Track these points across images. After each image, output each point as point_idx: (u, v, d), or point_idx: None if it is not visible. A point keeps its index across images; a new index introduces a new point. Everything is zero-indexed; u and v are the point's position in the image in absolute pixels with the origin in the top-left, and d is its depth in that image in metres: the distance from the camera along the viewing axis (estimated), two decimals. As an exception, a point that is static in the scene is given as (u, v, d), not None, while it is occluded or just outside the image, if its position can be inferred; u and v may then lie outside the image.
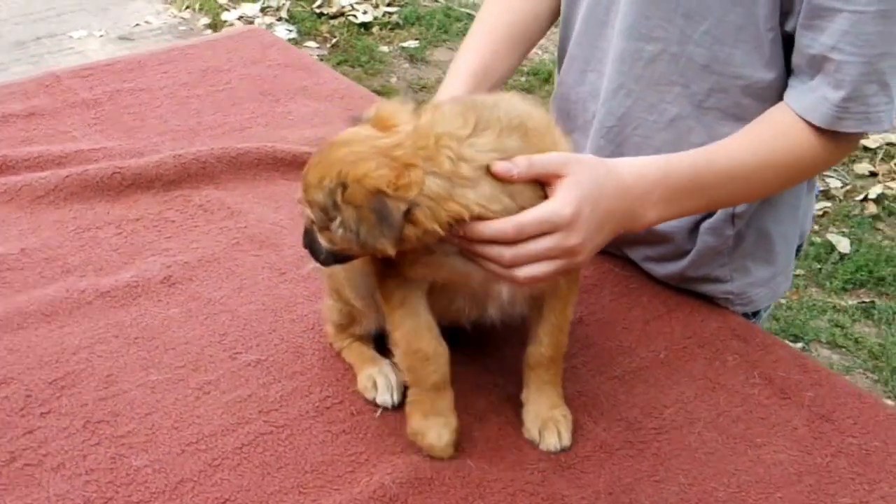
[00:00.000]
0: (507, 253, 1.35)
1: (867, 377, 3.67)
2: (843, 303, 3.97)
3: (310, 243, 1.47)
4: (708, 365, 1.69)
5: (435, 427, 1.49)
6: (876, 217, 4.43)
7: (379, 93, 4.06)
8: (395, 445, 1.51)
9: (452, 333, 1.55)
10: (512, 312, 1.52)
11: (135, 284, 1.79)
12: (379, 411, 1.57)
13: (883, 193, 4.55)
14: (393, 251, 1.32)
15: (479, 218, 1.33)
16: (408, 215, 1.30)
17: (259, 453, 1.49)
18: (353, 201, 1.31)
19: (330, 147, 1.39)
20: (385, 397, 1.57)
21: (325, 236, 1.41)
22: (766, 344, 1.74)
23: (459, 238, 1.36)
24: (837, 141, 1.58)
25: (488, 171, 1.34)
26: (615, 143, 1.75)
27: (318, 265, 1.50)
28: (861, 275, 4.04)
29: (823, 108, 1.54)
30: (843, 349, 3.77)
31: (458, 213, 1.32)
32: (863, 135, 1.64)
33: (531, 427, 1.54)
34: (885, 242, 4.29)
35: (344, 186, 1.32)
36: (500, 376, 1.65)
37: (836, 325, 3.85)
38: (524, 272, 1.37)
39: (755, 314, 1.88)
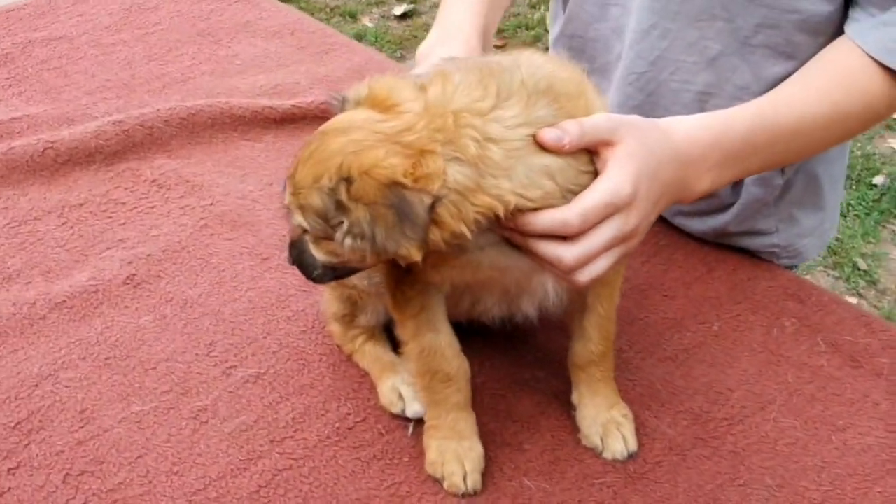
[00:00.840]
0: (567, 255, 1.12)
1: (829, 275, 3.57)
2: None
3: (298, 257, 1.21)
4: (766, 334, 1.50)
5: (461, 453, 1.27)
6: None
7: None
8: (439, 471, 1.29)
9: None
10: (550, 306, 1.30)
11: (93, 289, 1.52)
12: (411, 428, 1.34)
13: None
14: (419, 256, 1.07)
15: (517, 210, 1.09)
16: (431, 213, 1.05)
17: (280, 496, 1.26)
18: (363, 198, 1.05)
19: (322, 137, 1.12)
20: (416, 408, 1.34)
21: (322, 248, 1.16)
22: (822, 303, 1.55)
23: (510, 230, 1.13)
24: None
25: (521, 148, 1.09)
26: (647, 92, 1.52)
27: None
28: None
29: None
30: (801, 248, 3.65)
31: (490, 208, 1.07)
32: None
33: (591, 434, 1.33)
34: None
35: (349, 181, 1.06)
36: (539, 369, 1.44)
37: (791, 222, 3.73)
38: (589, 273, 1.14)
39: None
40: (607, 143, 1.14)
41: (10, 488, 1.25)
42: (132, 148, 1.77)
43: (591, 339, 1.31)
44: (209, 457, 1.30)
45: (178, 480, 1.27)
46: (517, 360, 1.45)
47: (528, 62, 1.16)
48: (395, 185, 1.05)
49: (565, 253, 1.12)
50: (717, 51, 1.46)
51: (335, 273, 1.22)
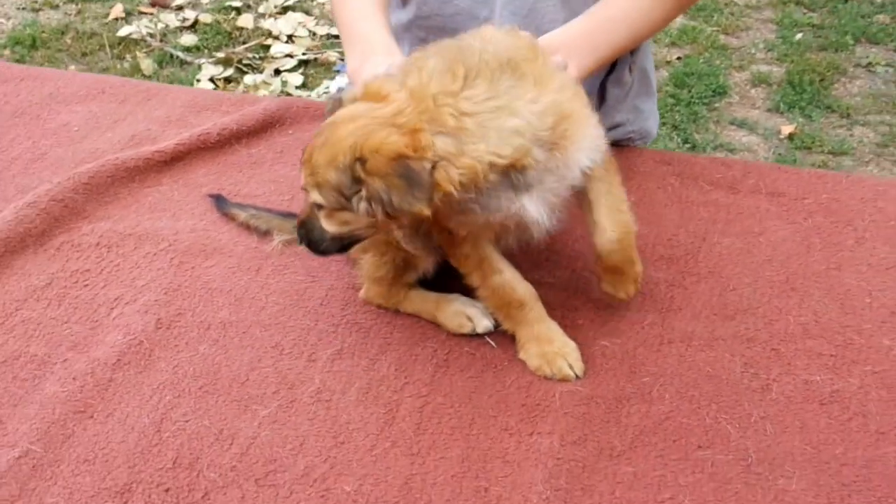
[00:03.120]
0: None
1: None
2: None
3: (308, 234, 1.45)
4: (666, 191, 1.90)
5: (558, 351, 1.53)
6: None
7: None
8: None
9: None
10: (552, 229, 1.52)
11: (136, 342, 1.57)
12: (493, 342, 1.58)
13: None
14: (428, 211, 1.32)
15: (492, 166, 1.35)
16: (432, 176, 1.31)
17: (437, 423, 1.45)
18: (377, 172, 1.30)
19: (332, 126, 1.36)
20: (486, 322, 1.58)
21: (335, 219, 1.40)
22: (684, 160, 1.99)
23: None
24: None
25: (491, 117, 1.35)
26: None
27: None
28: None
29: None
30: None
31: (471, 168, 1.33)
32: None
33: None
34: None
35: (362, 160, 1.30)
36: (554, 268, 1.72)
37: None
38: None
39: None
40: None
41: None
42: (55, 223, 1.79)
43: (607, 229, 1.53)
44: (358, 421, 1.45)
45: (348, 446, 1.42)
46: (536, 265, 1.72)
47: (490, 41, 1.42)
48: (400, 157, 1.30)
49: None
50: None
51: (341, 243, 1.46)
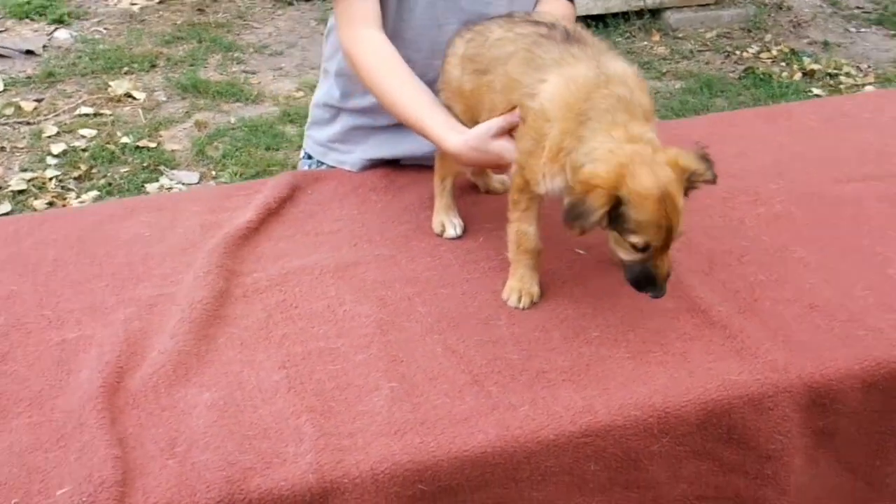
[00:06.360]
0: None
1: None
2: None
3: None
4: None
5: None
6: None
7: None
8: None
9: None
10: None
11: (377, 319, 2.15)
12: (580, 250, 2.38)
13: None
14: None
15: None
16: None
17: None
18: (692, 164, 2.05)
19: (663, 198, 1.97)
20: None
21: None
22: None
23: None
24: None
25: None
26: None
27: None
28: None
29: None
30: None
31: None
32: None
33: None
34: None
35: (694, 173, 2.04)
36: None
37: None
38: None
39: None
40: None
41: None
42: (227, 283, 2.24)
43: None
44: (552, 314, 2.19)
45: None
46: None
47: (635, 89, 2.10)
48: (686, 149, 2.08)
49: None
50: None
51: None
